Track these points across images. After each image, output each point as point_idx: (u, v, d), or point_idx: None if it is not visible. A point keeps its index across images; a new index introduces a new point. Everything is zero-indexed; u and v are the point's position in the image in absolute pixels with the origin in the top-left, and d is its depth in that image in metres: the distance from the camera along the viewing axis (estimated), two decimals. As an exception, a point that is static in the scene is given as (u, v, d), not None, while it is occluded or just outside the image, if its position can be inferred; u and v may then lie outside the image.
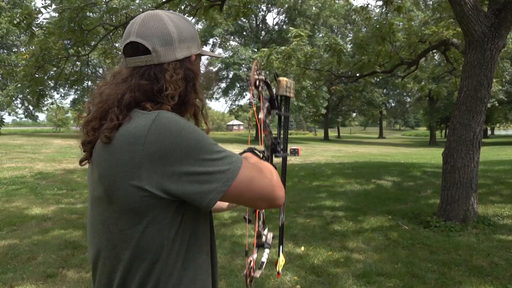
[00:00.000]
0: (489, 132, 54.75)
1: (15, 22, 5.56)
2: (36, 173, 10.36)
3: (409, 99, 47.53)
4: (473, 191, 5.13)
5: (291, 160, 15.62)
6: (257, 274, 1.37)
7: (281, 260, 1.39)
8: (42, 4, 5.95)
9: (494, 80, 7.29)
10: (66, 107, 35.38)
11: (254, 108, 1.30)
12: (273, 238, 1.38)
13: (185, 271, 1.03)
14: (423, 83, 12.67)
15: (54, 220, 5.74)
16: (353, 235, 4.98)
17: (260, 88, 1.24)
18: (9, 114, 38.97)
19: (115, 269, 1.01)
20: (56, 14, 6.37)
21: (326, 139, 43.07)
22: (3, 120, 5.13)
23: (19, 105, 36.64)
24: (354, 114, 55.88)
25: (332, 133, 58.04)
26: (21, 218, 5.81)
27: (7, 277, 3.66)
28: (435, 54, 14.89)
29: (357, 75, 10.91)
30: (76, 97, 40.83)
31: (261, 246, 1.36)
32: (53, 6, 6.22)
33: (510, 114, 36.06)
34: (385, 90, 45.96)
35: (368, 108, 46.31)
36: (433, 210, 5.78)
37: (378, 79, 26.25)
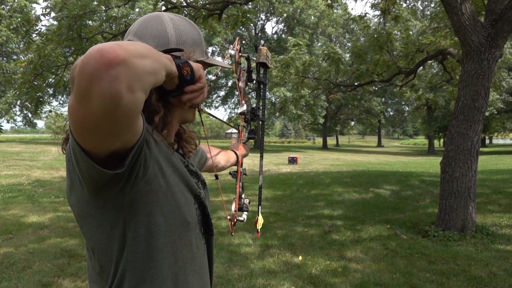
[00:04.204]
0: (487, 141, 54.91)
1: (11, 27, 5.57)
2: (33, 180, 10.32)
3: (407, 108, 47.68)
4: (471, 200, 5.12)
5: (290, 168, 15.60)
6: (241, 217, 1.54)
7: (260, 219, 1.54)
8: (42, 12, 5.99)
9: (492, 90, 7.32)
10: (65, 114, 35.40)
11: (238, 83, 1.48)
12: (249, 203, 1.57)
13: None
14: (420, 92, 12.74)
15: (50, 228, 5.70)
16: (351, 244, 4.95)
17: (241, 65, 1.44)
18: (8, 122, 38.94)
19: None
20: (55, 22, 6.39)
21: (324, 147, 43.07)
22: (1, 128, 5.12)
23: (18, 113, 36.65)
24: (352, 123, 55.92)
25: (331, 142, 58.09)
26: (18, 226, 5.77)
27: (2, 286, 3.62)
28: (432, 63, 14.98)
29: (355, 83, 10.96)
30: (75, 104, 40.81)
31: (240, 209, 1.52)
32: (52, 14, 6.24)
33: (508, 123, 36.18)
34: (383, 99, 46.15)
35: (367, 117, 46.45)
36: (432, 219, 5.77)
37: (376, 88, 26.34)
